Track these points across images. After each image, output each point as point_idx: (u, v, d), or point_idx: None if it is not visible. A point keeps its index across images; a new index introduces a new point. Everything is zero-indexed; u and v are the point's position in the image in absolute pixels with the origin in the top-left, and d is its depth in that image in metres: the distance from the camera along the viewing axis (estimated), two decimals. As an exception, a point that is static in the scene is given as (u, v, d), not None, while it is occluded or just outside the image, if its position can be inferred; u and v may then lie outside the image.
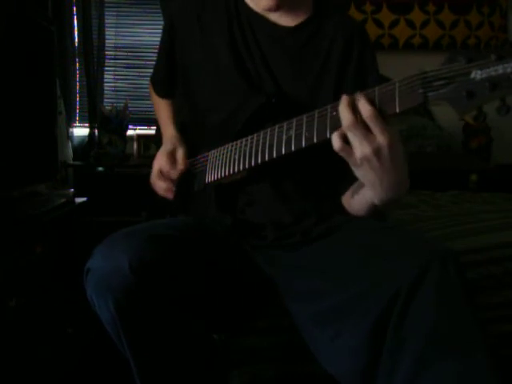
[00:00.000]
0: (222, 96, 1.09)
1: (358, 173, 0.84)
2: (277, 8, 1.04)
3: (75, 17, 3.13)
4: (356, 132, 0.78)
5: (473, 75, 0.67)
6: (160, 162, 1.16)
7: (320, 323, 0.91)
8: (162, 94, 1.30)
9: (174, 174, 1.14)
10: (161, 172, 1.16)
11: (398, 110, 0.74)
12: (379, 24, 3.32)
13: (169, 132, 1.22)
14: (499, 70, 0.64)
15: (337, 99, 0.82)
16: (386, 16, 3.32)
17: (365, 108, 0.77)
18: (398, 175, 0.82)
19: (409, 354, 0.78)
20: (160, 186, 1.17)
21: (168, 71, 1.23)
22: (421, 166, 2.65)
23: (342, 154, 0.80)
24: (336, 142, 0.80)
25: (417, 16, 3.33)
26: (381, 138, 0.77)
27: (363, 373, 0.84)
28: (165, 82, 1.27)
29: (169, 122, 1.25)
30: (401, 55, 3.23)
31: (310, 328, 0.95)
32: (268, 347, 1.16)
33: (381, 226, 1.00)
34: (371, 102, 0.77)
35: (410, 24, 3.33)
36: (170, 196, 1.16)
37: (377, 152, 0.78)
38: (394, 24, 3.33)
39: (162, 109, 1.29)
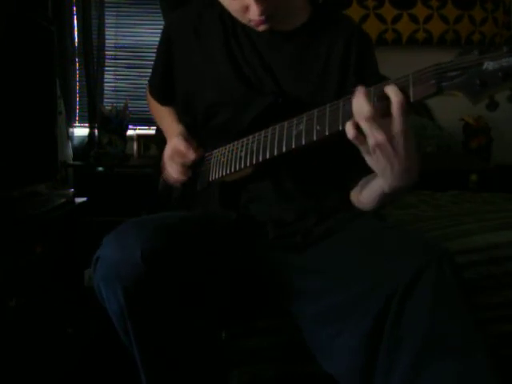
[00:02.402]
0: (224, 103, 1.10)
1: (370, 160, 0.85)
2: (270, 27, 1.04)
3: (75, 17, 3.13)
4: (372, 122, 0.79)
5: (485, 66, 0.68)
6: (174, 145, 1.13)
7: (320, 322, 0.92)
8: (163, 103, 1.30)
9: (189, 159, 1.12)
10: (174, 155, 1.14)
11: (412, 100, 0.75)
12: (382, 19, 3.30)
13: (179, 129, 1.21)
14: (511, 61, 0.66)
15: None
16: (389, 11, 3.30)
17: (396, 94, 0.77)
18: (409, 162, 0.83)
19: (406, 353, 0.79)
20: (174, 168, 1.14)
21: (166, 80, 1.24)
22: (421, 166, 2.65)
23: (355, 142, 0.82)
24: (350, 131, 0.81)
25: (420, 11, 3.31)
26: (398, 126, 0.78)
27: (362, 371, 0.85)
28: (164, 90, 1.27)
29: (174, 124, 1.24)
30: (404, 51, 3.22)
31: (311, 327, 0.95)
32: (268, 347, 1.16)
33: (381, 226, 1.00)
34: (402, 89, 0.77)
35: (414, 19, 3.31)
36: (183, 179, 1.14)
37: (391, 139, 0.79)
38: (396, 19, 3.30)
39: (165, 114, 1.29)
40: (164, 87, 1.26)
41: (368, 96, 0.79)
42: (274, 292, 1.02)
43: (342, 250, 0.95)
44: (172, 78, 1.21)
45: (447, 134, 3.09)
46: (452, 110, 3.04)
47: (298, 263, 0.99)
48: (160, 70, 1.25)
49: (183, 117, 1.23)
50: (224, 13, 1.10)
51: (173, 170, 1.14)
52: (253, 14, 0.98)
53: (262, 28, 1.03)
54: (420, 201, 2.09)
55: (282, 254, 1.02)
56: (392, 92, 0.78)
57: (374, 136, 0.79)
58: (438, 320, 0.78)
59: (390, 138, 0.79)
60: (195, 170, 1.14)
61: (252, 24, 1.03)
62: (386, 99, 0.78)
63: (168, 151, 1.15)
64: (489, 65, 0.68)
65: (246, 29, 1.09)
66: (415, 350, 0.78)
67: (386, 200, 0.97)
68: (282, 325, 1.15)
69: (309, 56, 1.08)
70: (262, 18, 0.98)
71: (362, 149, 0.83)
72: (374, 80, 0.83)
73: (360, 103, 0.80)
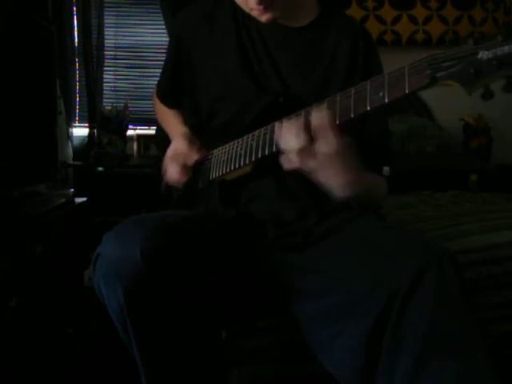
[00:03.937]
0: (228, 99, 1.10)
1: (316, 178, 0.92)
2: (275, 19, 1.05)
3: (75, 17, 3.14)
4: (301, 154, 0.86)
5: (480, 55, 0.69)
6: (176, 146, 1.15)
7: (320, 322, 0.92)
8: (170, 105, 1.31)
9: (190, 160, 1.13)
10: (175, 156, 1.14)
11: (407, 91, 0.76)
12: (381, 20, 3.31)
13: (183, 131, 1.22)
14: (505, 49, 0.66)
15: None
16: (388, 12, 3.32)
17: (316, 118, 0.84)
18: (347, 177, 0.90)
19: (407, 353, 0.79)
20: (174, 169, 1.14)
21: (175, 82, 1.24)
22: (421, 165, 2.66)
23: (298, 170, 0.88)
24: (287, 165, 0.88)
25: (419, 12, 3.32)
26: (325, 149, 0.85)
27: (362, 372, 0.85)
28: (173, 93, 1.27)
29: (180, 126, 1.25)
30: (404, 52, 3.20)
31: (311, 327, 0.95)
32: (268, 347, 1.16)
33: (381, 226, 1.00)
34: (324, 112, 0.84)
35: (413, 20, 3.33)
36: (183, 180, 1.14)
37: (323, 164, 0.87)
38: (396, 20, 3.32)
39: (171, 117, 1.29)
40: (172, 89, 1.27)
41: (295, 130, 0.86)
42: (273, 292, 1.02)
43: (342, 250, 0.95)
44: (180, 80, 1.22)
45: (447, 133, 3.10)
46: (452, 109, 3.04)
47: (298, 263, 0.99)
48: (169, 71, 1.26)
49: (189, 119, 1.24)
50: (237, 11, 1.11)
51: (173, 171, 1.15)
52: (251, 3, 1.01)
53: (264, 18, 1.04)
54: (420, 201, 2.10)
55: (282, 254, 1.02)
56: (314, 118, 0.84)
57: (306, 166, 0.87)
58: (438, 320, 0.78)
59: (322, 163, 0.86)
60: (197, 169, 1.15)
61: (255, 13, 1.05)
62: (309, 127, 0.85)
63: (170, 152, 1.15)
64: (483, 54, 0.68)
65: (257, 24, 1.10)
66: (416, 350, 0.78)
67: (361, 203, 1.01)
68: (282, 325, 1.15)
69: (314, 54, 1.09)
70: (261, 7, 1.01)
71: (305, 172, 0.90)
72: None
73: (286, 139, 0.87)
